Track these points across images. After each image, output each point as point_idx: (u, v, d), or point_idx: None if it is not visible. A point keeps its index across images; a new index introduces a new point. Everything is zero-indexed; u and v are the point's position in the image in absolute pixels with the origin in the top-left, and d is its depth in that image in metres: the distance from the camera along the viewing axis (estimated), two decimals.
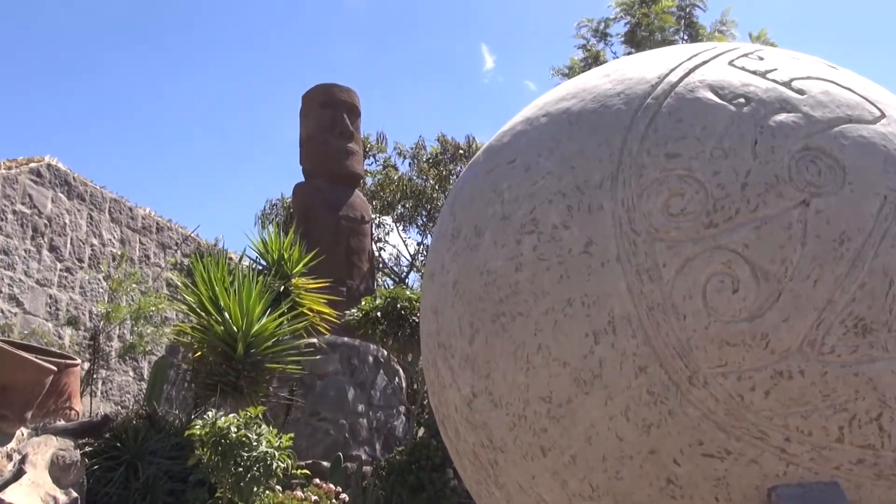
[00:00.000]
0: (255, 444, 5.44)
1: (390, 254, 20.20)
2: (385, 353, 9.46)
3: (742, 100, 1.95)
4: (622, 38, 16.47)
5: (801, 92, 1.98)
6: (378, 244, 18.96)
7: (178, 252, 10.87)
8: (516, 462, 1.99)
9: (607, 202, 1.89)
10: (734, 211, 1.80)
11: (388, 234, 19.56)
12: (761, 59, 2.11)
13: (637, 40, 15.77)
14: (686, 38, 16.29)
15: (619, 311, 1.82)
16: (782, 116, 1.91)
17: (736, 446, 1.76)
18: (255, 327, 6.55)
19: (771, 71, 2.04)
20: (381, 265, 18.32)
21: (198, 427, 4.77)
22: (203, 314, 6.62)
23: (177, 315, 9.95)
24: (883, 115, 1.99)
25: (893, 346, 1.76)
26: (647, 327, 1.80)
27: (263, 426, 5.86)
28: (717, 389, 1.76)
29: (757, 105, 1.94)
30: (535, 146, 2.11)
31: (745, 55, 2.14)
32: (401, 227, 19.61)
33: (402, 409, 9.24)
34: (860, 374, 1.75)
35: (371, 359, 9.38)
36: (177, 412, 6.15)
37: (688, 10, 16.63)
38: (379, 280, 16.11)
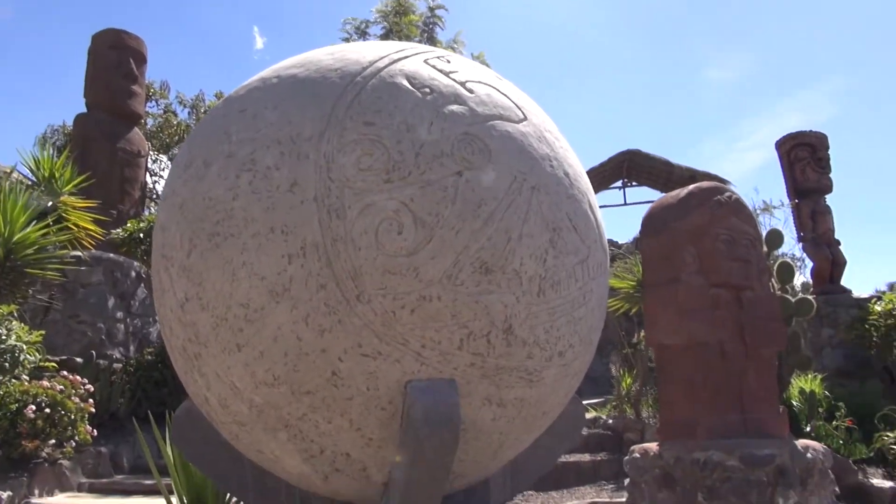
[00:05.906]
0: (3, 337, 5.61)
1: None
2: (146, 270, 9.70)
3: (427, 89, 2.15)
4: (378, 39, 18.20)
5: (471, 91, 2.23)
6: (153, 178, 19.65)
7: None
8: (216, 355, 2.12)
9: (313, 153, 2.02)
10: (407, 172, 1.99)
11: (163, 169, 20.30)
12: (448, 62, 2.35)
13: None
14: None
15: (311, 239, 1.96)
16: (454, 107, 2.14)
17: (385, 349, 1.99)
18: (18, 235, 6.98)
19: (453, 72, 2.29)
20: (153, 196, 18.47)
21: None
22: None
23: None
24: (525, 118, 2.30)
25: (505, 285, 2.06)
26: (331, 254, 1.95)
27: (14, 322, 5.99)
28: (376, 306, 1.96)
29: (437, 95, 2.15)
30: (264, 100, 2.22)
31: (438, 57, 2.34)
32: None
33: (158, 318, 9.59)
34: (479, 302, 2.01)
35: (133, 274, 9.63)
36: None
37: (430, 26, 20.58)
38: (151, 209, 16.20)
